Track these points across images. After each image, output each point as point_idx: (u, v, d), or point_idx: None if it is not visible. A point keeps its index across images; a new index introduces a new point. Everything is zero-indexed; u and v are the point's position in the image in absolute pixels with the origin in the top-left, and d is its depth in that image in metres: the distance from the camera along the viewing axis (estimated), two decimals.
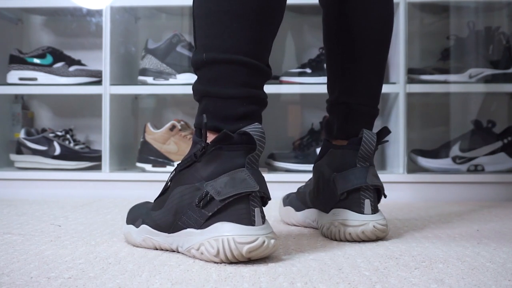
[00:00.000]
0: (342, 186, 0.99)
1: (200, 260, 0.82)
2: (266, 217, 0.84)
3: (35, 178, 1.71)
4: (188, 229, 0.82)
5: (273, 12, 0.84)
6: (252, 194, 0.81)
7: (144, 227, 0.90)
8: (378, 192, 1.01)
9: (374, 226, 0.97)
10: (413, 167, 1.72)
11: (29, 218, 1.24)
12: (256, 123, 0.82)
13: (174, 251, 0.88)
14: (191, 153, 0.85)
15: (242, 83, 0.83)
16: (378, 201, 1.01)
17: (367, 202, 0.98)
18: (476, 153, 1.70)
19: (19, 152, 1.79)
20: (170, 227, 0.85)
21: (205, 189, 0.81)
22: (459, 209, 1.42)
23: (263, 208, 0.83)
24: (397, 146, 1.66)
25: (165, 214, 0.86)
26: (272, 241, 0.81)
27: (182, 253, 0.85)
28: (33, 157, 1.78)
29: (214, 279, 0.72)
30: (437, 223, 1.19)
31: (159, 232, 0.88)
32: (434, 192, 1.62)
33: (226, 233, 0.79)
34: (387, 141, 1.05)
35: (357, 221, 0.97)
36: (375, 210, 0.99)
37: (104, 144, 1.71)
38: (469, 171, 1.69)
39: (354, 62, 1.05)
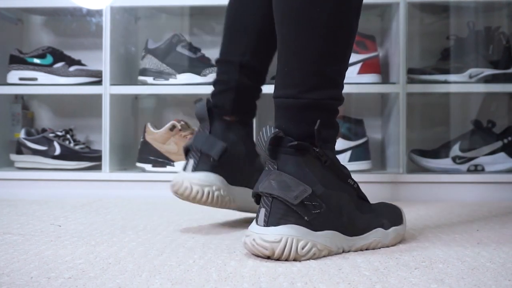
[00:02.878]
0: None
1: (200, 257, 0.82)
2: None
3: (35, 178, 1.71)
4: None
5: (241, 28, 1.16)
6: (189, 149, 1.10)
7: None
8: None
9: (254, 240, 0.83)
10: (413, 167, 1.72)
11: (29, 218, 1.24)
12: None
13: (174, 250, 0.89)
14: None
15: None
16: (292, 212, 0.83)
17: (262, 212, 0.85)
18: (476, 153, 1.70)
19: (19, 152, 1.79)
20: None
21: None
22: (459, 209, 1.42)
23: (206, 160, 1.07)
24: (397, 146, 1.66)
25: None
26: (190, 185, 1.04)
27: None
28: (33, 157, 1.78)
29: (214, 279, 0.72)
30: (437, 223, 1.19)
31: None
32: (434, 192, 1.62)
33: None
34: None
35: (248, 231, 0.86)
36: (269, 222, 0.83)
37: (104, 144, 1.71)
38: (469, 171, 1.69)
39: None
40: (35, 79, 1.78)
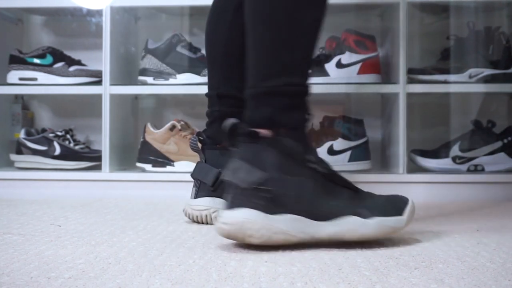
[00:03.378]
0: None
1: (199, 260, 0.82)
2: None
3: (35, 178, 1.71)
4: None
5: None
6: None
7: None
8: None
9: (218, 223, 0.90)
10: (413, 167, 1.72)
11: (29, 218, 1.24)
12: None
13: (174, 250, 0.89)
14: None
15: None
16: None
17: (227, 198, 0.92)
18: (476, 153, 1.70)
19: (19, 152, 1.79)
20: None
21: None
22: (459, 209, 1.42)
23: (204, 188, 1.18)
24: (397, 146, 1.66)
25: None
26: (191, 211, 1.18)
27: None
28: (33, 157, 1.78)
29: (214, 279, 0.72)
30: (437, 223, 1.19)
31: None
32: (434, 192, 1.62)
33: None
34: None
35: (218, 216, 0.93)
36: (229, 207, 0.90)
37: (104, 144, 1.71)
38: (469, 171, 1.69)
39: None
40: (35, 79, 1.78)
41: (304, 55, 0.94)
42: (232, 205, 0.89)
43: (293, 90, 0.92)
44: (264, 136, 0.89)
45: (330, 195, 0.91)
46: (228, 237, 0.90)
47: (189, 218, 1.20)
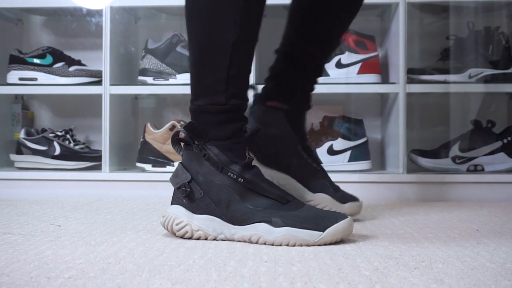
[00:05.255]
0: None
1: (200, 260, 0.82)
2: None
3: (35, 178, 1.71)
4: None
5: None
6: None
7: None
8: None
9: None
10: (413, 167, 1.72)
11: (29, 218, 1.24)
12: None
13: (174, 250, 0.89)
14: None
15: None
16: None
17: None
18: (476, 153, 1.70)
19: (19, 152, 1.79)
20: None
21: None
22: (459, 209, 1.42)
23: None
24: (397, 146, 1.66)
25: None
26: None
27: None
28: (33, 157, 1.78)
29: (214, 279, 0.73)
30: (436, 223, 1.19)
31: None
32: (434, 192, 1.62)
33: None
34: None
35: None
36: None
37: (104, 144, 1.71)
38: (468, 171, 1.69)
39: None
40: (35, 79, 1.78)
41: (228, 75, 0.98)
42: (171, 201, 1.03)
43: (216, 109, 0.99)
44: (196, 144, 0.99)
45: (246, 202, 0.97)
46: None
47: None
